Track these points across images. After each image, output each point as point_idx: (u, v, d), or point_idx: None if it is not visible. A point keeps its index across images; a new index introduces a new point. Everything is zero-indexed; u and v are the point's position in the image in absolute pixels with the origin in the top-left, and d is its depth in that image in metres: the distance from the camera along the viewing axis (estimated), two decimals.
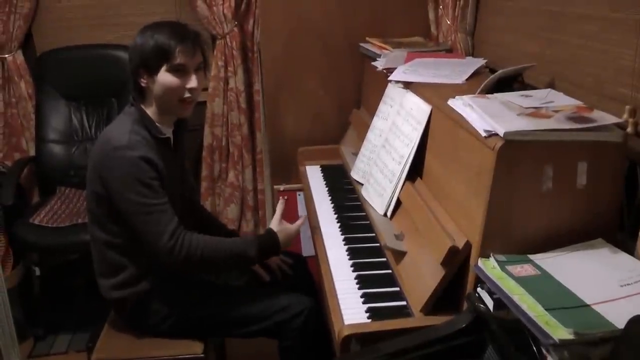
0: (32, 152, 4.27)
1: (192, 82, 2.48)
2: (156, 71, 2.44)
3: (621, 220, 2.01)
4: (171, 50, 2.41)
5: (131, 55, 2.49)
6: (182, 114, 2.57)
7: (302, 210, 3.77)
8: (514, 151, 1.79)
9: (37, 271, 3.94)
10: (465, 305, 1.84)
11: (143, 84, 2.48)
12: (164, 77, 2.44)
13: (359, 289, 2.24)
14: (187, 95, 2.49)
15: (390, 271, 2.33)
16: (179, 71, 2.45)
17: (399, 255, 2.30)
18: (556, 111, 1.95)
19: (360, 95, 3.78)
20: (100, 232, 2.54)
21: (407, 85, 2.72)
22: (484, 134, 1.87)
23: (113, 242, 2.53)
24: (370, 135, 2.95)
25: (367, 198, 2.74)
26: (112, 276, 2.57)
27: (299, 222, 2.73)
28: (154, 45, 2.41)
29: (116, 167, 2.37)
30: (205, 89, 4.12)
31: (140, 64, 2.45)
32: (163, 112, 2.54)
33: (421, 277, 2.09)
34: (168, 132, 2.58)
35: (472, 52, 3.39)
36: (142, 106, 2.53)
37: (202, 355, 2.58)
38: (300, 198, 3.78)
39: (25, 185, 4.27)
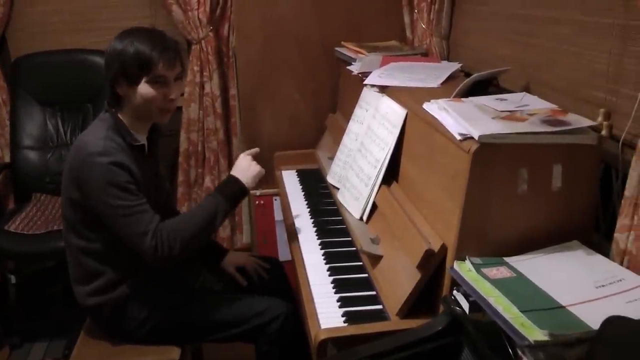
0: (7, 159, 4.23)
1: (172, 94, 2.47)
2: (137, 82, 2.41)
3: (596, 222, 2.02)
4: (153, 62, 2.38)
5: (109, 62, 2.44)
6: (160, 121, 2.56)
7: (278, 215, 3.77)
8: (488, 154, 1.80)
9: (13, 279, 3.91)
10: (441, 308, 1.84)
11: (121, 93, 2.46)
12: (144, 89, 2.41)
13: (336, 293, 2.23)
14: (166, 105, 2.48)
15: (366, 275, 2.33)
16: (159, 82, 2.42)
17: (375, 259, 2.30)
18: (531, 114, 1.96)
19: (336, 99, 3.78)
20: (76, 238, 2.52)
21: (383, 89, 2.72)
22: (459, 138, 1.87)
23: (89, 248, 2.51)
24: (346, 139, 2.95)
25: (343, 202, 2.74)
26: (88, 283, 2.55)
27: (251, 151, 2.70)
28: (135, 56, 2.38)
29: (92, 173, 2.35)
30: (182, 94, 4.10)
31: (120, 73, 2.41)
32: (139, 120, 2.52)
33: (397, 280, 2.09)
34: (142, 139, 2.57)
35: (448, 56, 3.41)
36: (117, 113, 2.51)
37: None
38: (276, 203, 3.78)
39: (0, 192, 4.23)
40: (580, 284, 1.67)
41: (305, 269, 2.43)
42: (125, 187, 2.36)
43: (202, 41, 4.17)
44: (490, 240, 1.87)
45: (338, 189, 2.87)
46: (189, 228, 2.44)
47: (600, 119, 2.02)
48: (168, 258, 2.38)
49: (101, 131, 2.43)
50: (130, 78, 2.41)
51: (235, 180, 2.58)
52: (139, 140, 2.52)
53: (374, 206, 2.50)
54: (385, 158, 2.47)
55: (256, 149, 2.72)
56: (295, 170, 3.58)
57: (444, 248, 1.92)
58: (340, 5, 3.76)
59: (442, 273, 1.93)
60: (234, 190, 2.57)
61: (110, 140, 2.40)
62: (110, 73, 2.43)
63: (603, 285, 1.65)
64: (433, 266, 1.94)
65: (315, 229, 2.77)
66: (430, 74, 2.80)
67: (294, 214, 2.96)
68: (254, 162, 2.64)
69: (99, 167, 2.34)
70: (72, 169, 2.43)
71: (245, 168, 2.61)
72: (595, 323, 1.43)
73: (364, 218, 2.55)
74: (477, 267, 1.76)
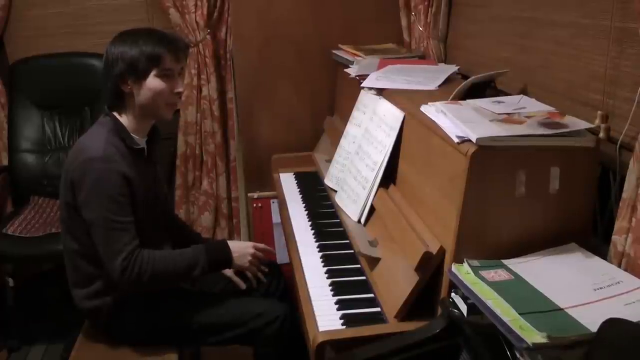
0: (5, 162, 4.21)
1: (179, 86, 2.53)
2: (144, 76, 2.45)
3: (594, 224, 2.02)
4: (162, 55, 2.44)
5: (113, 61, 2.45)
6: (165, 117, 2.57)
7: (276, 217, 3.77)
8: (486, 157, 1.80)
9: (11, 282, 3.90)
10: (439, 311, 1.84)
11: (126, 90, 2.47)
12: (153, 82, 2.45)
13: (333, 295, 2.23)
14: (173, 99, 2.53)
15: (364, 278, 2.33)
16: (167, 76, 2.47)
17: (373, 261, 2.30)
18: (528, 117, 1.96)
19: (333, 102, 3.78)
20: (73, 242, 2.52)
21: (380, 91, 2.72)
22: (456, 140, 1.87)
23: (85, 252, 2.50)
24: (344, 142, 2.95)
25: (341, 205, 2.74)
26: (85, 286, 2.55)
27: (256, 244, 2.75)
28: (145, 50, 2.43)
29: (88, 177, 2.36)
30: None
31: (127, 70, 2.43)
32: (142, 119, 2.54)
33: (395, 283, 2.09)
34: (142, 143, 2.57)
35: (445, 59, 3.41)
36: (118, 115, 2.52)
37: None
38: (274, 205, 3.77)
39: None
40: (578, 286, 1.67)
41: (303, 272, 2.43)
42: (118, 200, 2.37)
43: (200, 44, 4.16)
44: (488, 242, 1.87)
45: (336, 191, 2.87)
46: (166, 267, 2.47)
47: (597, 121, 2.02)
48: (134, 283, 2.40)
49: (101, 135, 2.44)
50: (139, 73, 2.44)
51: (225, 249, 2.63)
52: (139, 144, 2.53)
53: (372, 209, 2.50)
54: (383, 161, 2.47)
55: (269, 251, 2.83)
56: (293, 173, 3.59)
57: (442, 250, 1.92)
58: (338, 8, 3.76)
59: (440, 276, 1.93)
60: (220, 258, 2.61)
61: (110, 144, 2.41)
62: (114, 71, 2.45)
63: (601, 288, 1.65)
64: (431, 269, 1.95)
65: (313, 231, 2.77)
66: (427, 76, 2.80)
67: (291, 216, 2.96)
68: (253, 251, 2.70)
69: (95, 173, 2.35)
70: (70, 172, 2.43)
71: (242, 248, 2.68)
72: (593, 325, 1.43)
73: (362, 221, 2.55)
74: (475, 270, 1.76)
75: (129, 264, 2.36)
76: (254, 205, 3.83)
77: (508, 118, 1.97)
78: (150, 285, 2.48)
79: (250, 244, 2.71)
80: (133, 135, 2.52)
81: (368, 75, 2.92)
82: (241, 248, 2.66)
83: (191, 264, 2.50)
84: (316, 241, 2.67)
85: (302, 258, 2.54)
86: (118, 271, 2.36)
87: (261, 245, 2.75)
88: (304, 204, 3.11)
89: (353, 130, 2.88)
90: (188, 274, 2.52)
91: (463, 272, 1.78)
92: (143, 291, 2.54)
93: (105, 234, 2.37)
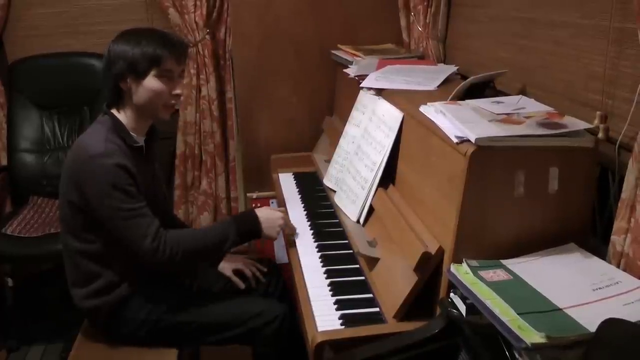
0: (4, 162, 4.21)
1: (178, 89, 2.53)
2: (144, 76, 2.44)
3: (593, 225, 2.02)
4: (163, 55, 2.43)
5: (114, 59, 2.45)
6: (162, 118, 2.56)
7: None
8: (485, 157, 1.80)
9: (10, 282, 3.91)
10: (438, 311, 1.84)
11: (125, 88, 2.47)
12: (151, 82, 2.45)
13: (332, 295, 2.23)
14: (172, 101, 2.53)
15: (363, 278, 2.33)
16: (166, 77, 2.47)
17: (372, 261, 2.30)
18: (527, 117, 1.96)
19: (332, 102, 3.78)
20: (74, 241, 2.52)
21: (379, 92, 2.72)
22: (455, 140, 1.87)
23: (87, 250, 2.50)
24: (343, 142, 2.95)
25: (340, 205, 2.74)
26: (85, 285, 2.55)
27: (285, 216, 2.76)
28: (146, 50, 2.42)
29: (93, 175, 2.36)
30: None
31: (127, 68, 2.43)
32: (140, 118, 2.53)
33: (394, 283, 2.09)
34: (141, 141, 2.57)
35: (444, 59, 3.41)
36: (117, 114, 2.52)
37: None
38: (273, 205, 3.76)
39: None
40: (577, 286, 1.67)
41: (302, 272, 2.43)
42: (127, 190, 2.37)
43: (199, 44, 4.16)
44: (487, 242, 1.87)
45: (335, 191, 2.88)
46: (196, 243, 2.51)
47: (596, 121, 2.02)
48: (166, 262, 2.41)
49: (101, 133, 2.44)
50: (138, 72, 2.44)
51: (255, 220, 2.64)
52: (138, 142, 2.53)
53: (371, 209, 2.51)
54: (382, 161, 2.47)
55: (293, 228, 2.78)
56: (292, 173, 3.58)
57: (441, 251, 1.92)
58: (337, 8, 3.76)
59: (439, 276, 1.93)
60: (249, 228, 2.63)
61: (110, 142, 2.41)
62: (115, 70, 2.45)
63: (600, 288, 1.65)
64: (430, 269, 1.95)
65: (312, 231, 2.77)
66: (426, 76, 2.80)
67: (290, 216, 2.95)
68: (283, 219, 2.70)
69: (101, 169, 2.35)
70: (72, 171, 2.43)
71: (272, 219, 2.67)
72: (592, 325, 1.43)
73: (361, 221, 2.55)
74: (474, 270, 1.76)
75: (159, 245, 2.38)
76: (253, 205, 3.82)
77: (507, 118, 1.97)
78: (184, 264, 2.51)
79: (279, 214, 2.71)
80: (132, 133, 2.52)
81: (367, 75, 2.92)
82: (270, 219, 2.66)
83: (222, 238, 2.54)
84: (315, 241, 2.67)
85: (301, 258, 2.54)
86: (150, 254, 2.38)
87: (287, 216, 2.80)
88: (303, 204, 3.11)
89: (352, 130, 2.88)
90: (220, 248, 2.56)
91: (462, 272, 1.78)
92: (144, 289, 2.55)
93: (124, 225, 2.38)
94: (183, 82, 2.63)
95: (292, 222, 2.83)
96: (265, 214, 2.66)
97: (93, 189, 2.37)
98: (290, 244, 2.69)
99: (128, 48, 2.43)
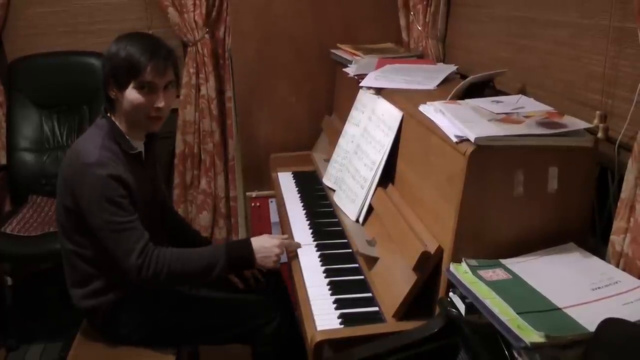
0: (3, 161, 4.21)
1: (160, 102, 2.43)
2: (125, 86, 2.39)
3: (592, 224, 2.02)
4: (141, 67, 2.36)
5: (103, 63, 2.45)
6: (149, 130, 2.54)
7: (274, 217, 3.77)
8: (485, 156, 1.80)
9: (9, 281, 3.91)
10: (437, 310, 1.84)
11: (112, 96, 2.46)
12: (131, 94, 2.39)
13: (332, 295, 2.23)
14: (153, 114, 2.45)
15: (362, 277, 2.33)
16: (146, 89, 2.40)
17: (372, 261, 2.30)
18: (527, 117, 1.96)
19: (332, 101, 3.78)
20: (69, 243, 2.51)
21: (379, 91, 2.72)
22: (455, 140, 1.87)
23: (82, 253, 2.50)
24: (342, 141, 2.95)
25: (339, 204, 2.74)
26: (83, 285, 2.55)
27: (283, 242, 2.61)
28: (124, 59, 2.36)
29: (86, 184, 2.35)
30: (177, 96, 4.09)
31: (110, 76, 2.41)
32: (132, 126, 2.51)
33: (394, 282, 2.09)
34: (139, 146, 2.56)
35: (443, 58, 3.41)
36: (114, 118, 2.50)
37: None
38: (272, 205, 3.77)
39: None
40: (576, 286, 1.67)
41: (301, 271, 2.43)
42: (118, 202, 2.35)
43: (198, 43, 4.16)
44: (486, 242, 1.87)
45: (334, 191, 2.87)
46: (183, 265, 2.43)
47: (596, 121, 2.02)
48: (149, 279, 2.38)
49: (97, 139, 2.42)
50: (119, 82, 2.40)
51: (248, 249, 2.53)
52: (135, 148, 2.51)
53: (370, 208, 2.51)
54: (381, 160, 2.47)
55: (298, 244, 2.63)
56: (291, 172, 3.58)
57: (440, 250, 1.92)
58: (336, 8, 3.76)
59: (439, 275, 1.93)
60: (241, 257, 2.53)
61: (105, 149, 2.39)
62: (103, 75, 2.44)
63: (599, 287, 1.65)
64: (429, 268, 1.95)
65: (311, 231, 2.76)
66: (426, 76, 2.80)
67: (290, 216, 2.95)
68: (279, 247, 2.57)
69: (93, 179, 2.33)
70: (67, 177, 2.42)
71: (267, 248, 2.55)
72: (591, 325, 1.43)
73: (360, 220, 2.55)
74: (474, 269, 1.76)
75: (144, 261, 2.35)
76: (252, 204, 3.83)
77: (506, 118, 1.97)
78: (168, 284, 2.47)
79: (277, 241, 2.57)
80: (129, 138, 2.50)
81: (366, 74, 2.92)
82: (266, 248, 2.54)
83: (210, 264, 2.45)
84: (314, 240, 2.66)
85: (300, 257, 2.54)
86: (134, 271, 2.36)
87: (287, 242, 2.62)
88: (302, 204, 3.10)
89: (351, 129, 2.88)
90: (207, 273, 2.46)
91: (461, 271, 1.78)
92: (144, 290, 2.54)
93: (113, 237, 2.36)
94: (174, 92, 2.53)
95: (291, 221, 2.84)
96: (260, 243, 2.55)
97: (85, 199, 2.36)
98: None
99: (113, 55, 2.39)
